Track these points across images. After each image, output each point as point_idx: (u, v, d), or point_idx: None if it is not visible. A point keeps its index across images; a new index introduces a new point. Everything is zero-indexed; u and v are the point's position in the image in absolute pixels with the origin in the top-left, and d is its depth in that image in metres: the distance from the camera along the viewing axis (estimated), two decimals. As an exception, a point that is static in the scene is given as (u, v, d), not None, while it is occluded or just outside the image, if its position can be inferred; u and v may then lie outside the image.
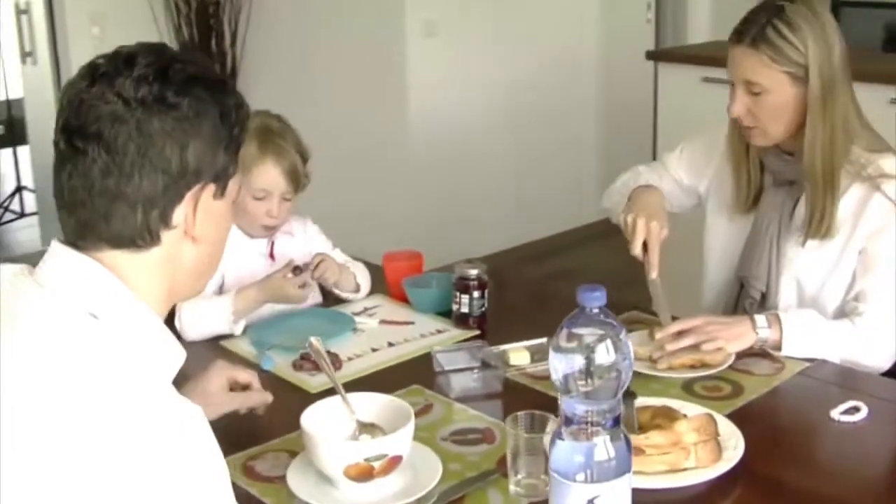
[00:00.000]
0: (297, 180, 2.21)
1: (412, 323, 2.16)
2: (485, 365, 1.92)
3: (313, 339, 1.73)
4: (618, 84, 5.53)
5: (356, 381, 1.88)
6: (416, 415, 1.74)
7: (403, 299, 2.27)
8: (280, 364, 1.96)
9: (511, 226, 5.03)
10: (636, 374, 1.85)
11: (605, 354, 1.21)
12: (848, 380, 1.86)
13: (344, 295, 2.30)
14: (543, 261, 4.62)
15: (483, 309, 2.10)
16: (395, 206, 4.85)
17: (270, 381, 1.90)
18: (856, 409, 1.70)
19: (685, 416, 1.60)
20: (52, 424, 1.01)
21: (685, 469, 1.51)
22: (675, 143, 3.64)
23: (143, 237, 1.15)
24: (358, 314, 2.21)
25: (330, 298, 2.33)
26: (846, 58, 1.95)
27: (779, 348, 1.91)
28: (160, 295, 1.19)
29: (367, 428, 1.57)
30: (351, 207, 5.08)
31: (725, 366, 1.87)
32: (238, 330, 2.11)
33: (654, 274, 2.01)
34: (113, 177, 1.12)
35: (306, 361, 1.94)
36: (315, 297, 2.30)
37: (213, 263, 1.26)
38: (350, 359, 1.99)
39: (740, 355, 1.91)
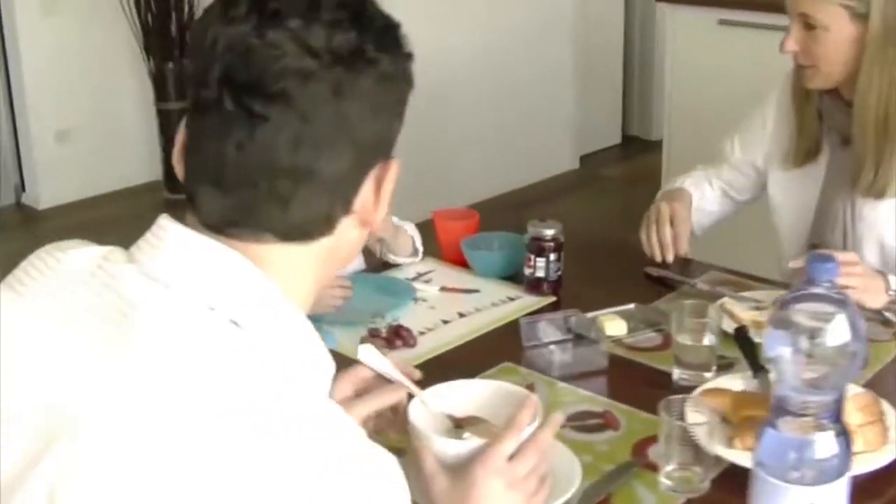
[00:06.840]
0: None
1: (477, 290, 1.94)
2: (578, 337, 1.72)
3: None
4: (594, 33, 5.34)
5: (435, 360, 1.68)
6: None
7: (457, 262, 2.06)
8: (343, 340, 1.74)
9: (489, 176, 4.82)
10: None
11: (834, 336, 1.03)
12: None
13: (399, 260, 2.07)
14: (530, 208, 4.46)
15: (559, 273, 1.90)
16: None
17: (336, 359, 1.69)
18: None
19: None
20: (200, 458, 0.77)
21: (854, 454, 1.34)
22: (690, 93, 3.46)
23: (319, 227, 0.91)
24: (412, 280, 2.00)
25: (372, 263, 2.11)
26: None
27: None
28: (309, 290, 0.95)
29: (466, 422, 1.29)
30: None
31: None
32: None
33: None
34: (305, 151, 0.86)
35: (376, 338, 1.72)
36: (357, 262, 2.07)
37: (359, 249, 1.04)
38: (422, 333, 1.78)
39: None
